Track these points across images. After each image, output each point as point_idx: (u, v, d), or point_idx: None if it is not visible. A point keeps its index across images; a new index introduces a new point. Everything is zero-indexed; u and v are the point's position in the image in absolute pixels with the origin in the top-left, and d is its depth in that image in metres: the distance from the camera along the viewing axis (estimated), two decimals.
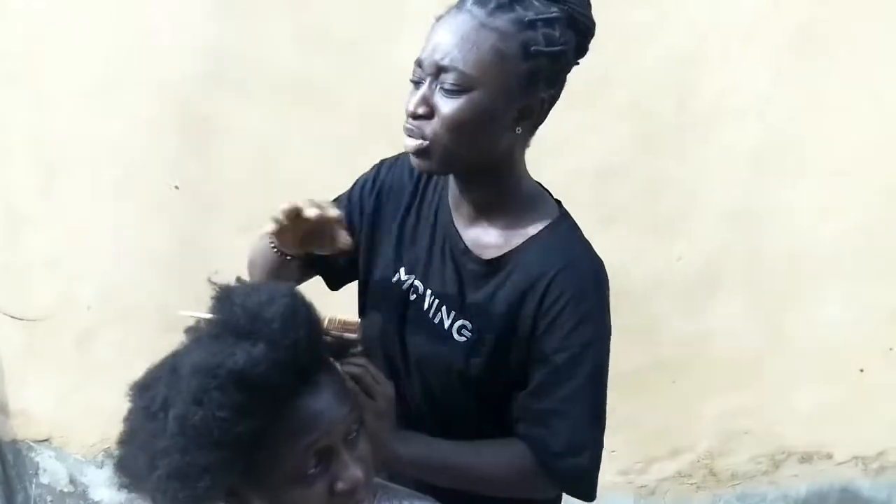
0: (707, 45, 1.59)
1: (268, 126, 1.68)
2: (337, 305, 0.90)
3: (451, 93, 0.86)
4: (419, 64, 0.89)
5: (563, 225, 0.98)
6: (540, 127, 0.94)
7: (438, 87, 0.87)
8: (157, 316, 1.72)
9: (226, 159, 1.71)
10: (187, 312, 0.78)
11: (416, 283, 1.02)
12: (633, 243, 1.72)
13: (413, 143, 0.89)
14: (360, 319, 0.87)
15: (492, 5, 0.85)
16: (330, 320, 0.84)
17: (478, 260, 0.97)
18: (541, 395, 0.94)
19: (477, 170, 0.94)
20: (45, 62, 1.72)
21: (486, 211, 0.97)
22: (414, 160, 0.92)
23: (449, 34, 0.86)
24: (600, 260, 0.97)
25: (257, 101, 1.68)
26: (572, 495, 0.99)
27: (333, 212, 0.89)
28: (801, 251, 1.72)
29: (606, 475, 1.91)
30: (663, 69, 1.60)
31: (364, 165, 1.11)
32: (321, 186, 1.15)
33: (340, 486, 0.74)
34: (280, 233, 0.90)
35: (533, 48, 0.86)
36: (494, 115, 0.88)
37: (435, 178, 1.04)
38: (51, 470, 2.06)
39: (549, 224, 0.96)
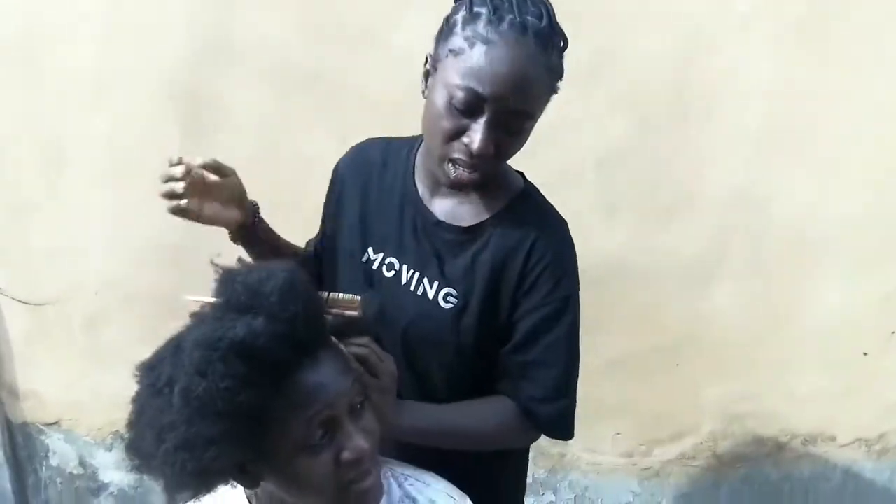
0: (708, 30, 1.58)
1: (270, 112, 1.69)
2: None
3: (514, 133, 0.91)
4: (476, 95, 0.87)
5: (534, 193, 1.06)
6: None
7: (501, 125, 0.89)
8: (162, 301, 1.73)
9: (228, 146, 1.71)
10: (192, 297, 0.79)
11: (391, 259, 1.05)
12: (635, 228, 1.72)
13: (469, 177, 0.93)
14: (360, 297, 0.88)
15: (545, 41, 0.87)
16: (331, 298, 0.86)
17: (454, 229, 1.02)
18: (525, 348, 1.02)
19: None
20: (48, 51, 1.73)
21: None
22: (465, 182, 0.94)
23: (519, 76, 0.86)
24: (567, 223, 1.06)
25: (259, 87, 1.68)
26: (553, 437, 1.07)
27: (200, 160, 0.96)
28: (803, 235, 1.71)
29: (609, 457, 1.94)
30: (664, 54, 1.59)
31: None
32: (323, 172, 1.16)
33: (346, 455, 0.76)
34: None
35: (559, 71, 0.92)
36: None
37: (393, 158, 1.08)
38: (60, 452, 2.09)
39: (521, 193, 1.05)
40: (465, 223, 1.02)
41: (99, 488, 2.10)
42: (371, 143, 1.14)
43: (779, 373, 1.84)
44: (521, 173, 1.09)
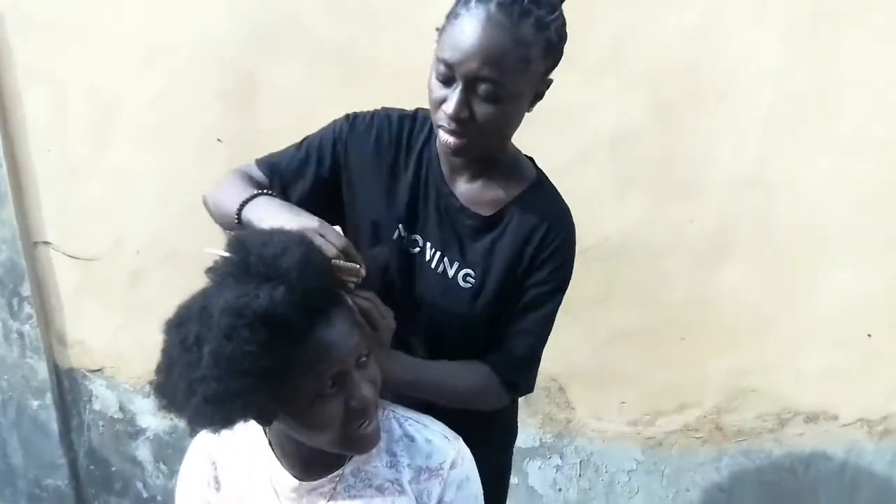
0: (723, 15, 1.60)
1: (303, 84, 1.76)
2: None
3: (488, 100, 0.94)
4: (448, 66, 0.94)
5: (546, 182, 1.13)
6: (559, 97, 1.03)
7: (474, 92, 0.94)
8: (198, 259, 1.84)
9: (264, 115, 1.81)
10: (209, 249, 0.89)
11: (416, 237, 1.12)
12: (648, 206, 1.76)
13: (455, 141, 0.98)
14: (361, 266, 0.93)
15: (515, 12, 0.90)
16: (335, 265, 0.91)
17: (475, 216, 1.09)
18: (517, 317, 1.11)
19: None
20: (100, 25, 1.82)
21: (479, 172, 1.08)
22: (452, 147, 0.99)
23: (478, 44, 0.91)
24: (571, 211, 1.14)
25: (294, 61, 1.76)
26: (518, 397, 1.22)
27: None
28: (813, 218, 1.73)
29: (615, 425, 2.01)
30: (679, 38, 1.62)
31: None
32: None
33: (354, 403, 0.87)
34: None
35: (551, 46, 0.95)
36: (522, 109, 1.00)
37: (417, 135, 1.12)
38: (102, 397, 2.19)
39: (534, 182, 1.11)
40: (486, 212, 1.09)
41: (137, 432, 2.21)
42: (402, 114, 1.15)
43: (784, 350, 1.87)
44: (532, 159, 1.15)
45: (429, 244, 1.12)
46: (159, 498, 2.29)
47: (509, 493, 2.01)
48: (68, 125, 1.93)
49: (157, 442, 2.22)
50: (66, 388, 2.21)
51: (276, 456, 1.00)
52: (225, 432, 1.01)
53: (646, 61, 1.64)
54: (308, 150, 1.14)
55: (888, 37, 1.58)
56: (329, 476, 0.98)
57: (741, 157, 1.70)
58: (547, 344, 1.19)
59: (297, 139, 1.20)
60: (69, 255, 2.05)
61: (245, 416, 0.85)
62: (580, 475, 2.07)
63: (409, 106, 1.17)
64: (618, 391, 1.97)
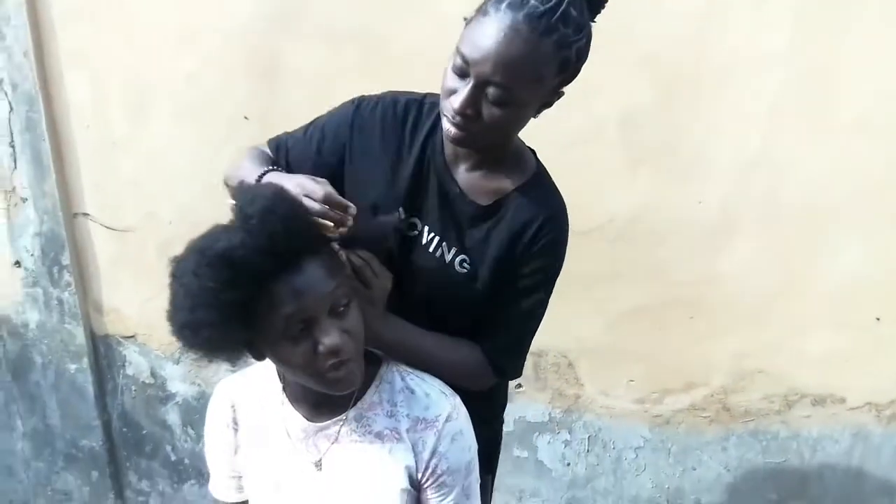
0: None
1: (324, 65, 1.83)
2: None
3: (495, 103, 0.96)
4: (465, 60, 0.94)
5: (545, 177, 1.15)
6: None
7: (483, 93, 0.96)
8: None
9: (288, 94, 1.88)
10: (230, 201, 0.97)
11: (414, 220, 1.15)
12: (655, 186, 1.80)
13: (457, 132, 1.01)
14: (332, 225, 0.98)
15: (541, 27, 0.90)
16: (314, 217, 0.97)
17: (474, 204, 1.12)
18: (509, 305, 1.14)
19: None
20: (136, 10, 1.92)
21: (481, 161, 1.11)
22: (453, 138, 1.02)
23: (496, 49, 0.91)
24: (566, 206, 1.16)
25: (316, 43, 1.83)
26: (503, 381, 1.25)
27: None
28: (820, 199, 1.75)
29: (622, 402, 2.05)
30: (684, 20, 1.65)
31: None
32: None
33: (321, 348, 0.93)
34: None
35: (568, 64, 0.97)
36: (527, 115, 1.03)
37: (423, 121, 1.14)
38: (135, 363, 2.30)
39: (534, 174, 1.13)
40: (484, 201, 1.11)
41: (167, 397, 2.31)
42: (410, 98, 1.16)
43: (791, 332, 1.89)
44: (534, 151, 1.18)
45: (427, 228, 1.14)
46: (186, 461, 2.39)
47: (519, 467, 2.07)
48: (107, 104, 2.03)
49: (186, 407, 2.32)
50: (102, 354, 2.32)
51: (289, 400, 1.08)
52: (243, 378, 1.11)
53: (653, 42, 1.67)
54: (314, 132, 1.18)
55: (894, 18, 1.59)
56: (334, 419, 1.06)
57: (748, 138, 1.72)
58: (557, 321, 1.23)
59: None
60: (106, 227, 2.15)
61: (222, 345, 0.94)
62: (588, 451, 2.12)
63: (426, 88, 1.18)
64: (626, 369, 2.01)
